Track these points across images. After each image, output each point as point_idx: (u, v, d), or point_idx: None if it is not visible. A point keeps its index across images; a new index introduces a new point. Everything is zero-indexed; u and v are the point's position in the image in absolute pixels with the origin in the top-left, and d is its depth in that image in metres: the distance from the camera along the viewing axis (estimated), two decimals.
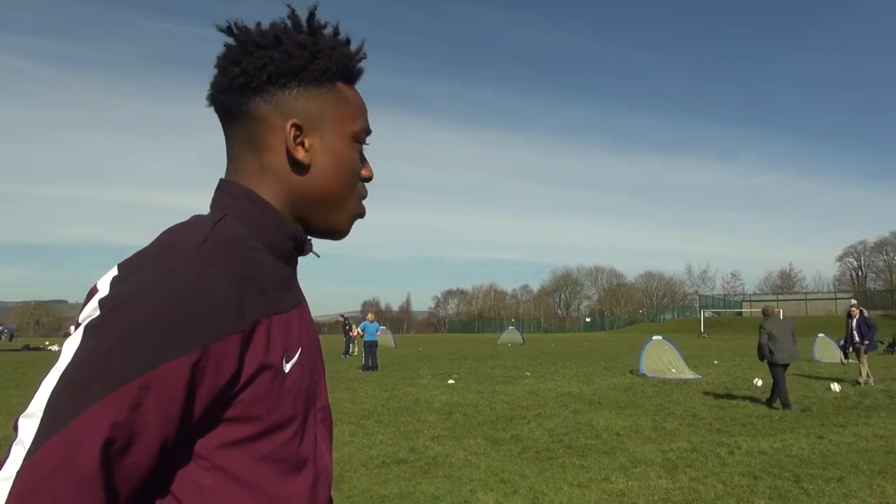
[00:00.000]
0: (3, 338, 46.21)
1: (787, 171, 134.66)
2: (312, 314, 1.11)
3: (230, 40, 0.90)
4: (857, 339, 13.66)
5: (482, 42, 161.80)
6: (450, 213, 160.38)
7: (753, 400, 10.98)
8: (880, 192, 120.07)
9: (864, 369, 13.30)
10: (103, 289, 0.75)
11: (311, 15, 0.91)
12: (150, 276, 0.73)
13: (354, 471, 6.19)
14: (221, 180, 0.92)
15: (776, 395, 10.27)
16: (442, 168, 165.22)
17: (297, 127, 0.89)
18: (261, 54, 0.87)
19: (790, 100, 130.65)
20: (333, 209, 0.94)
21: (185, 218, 0.87)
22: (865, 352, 13.47)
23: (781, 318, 11.21)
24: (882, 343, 14.59)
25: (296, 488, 0.83)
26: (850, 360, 13.92)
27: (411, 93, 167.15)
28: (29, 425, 0.67)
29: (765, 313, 10.89)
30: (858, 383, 12.90)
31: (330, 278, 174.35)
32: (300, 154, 0.90)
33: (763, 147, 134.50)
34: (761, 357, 10.40)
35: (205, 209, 0.92)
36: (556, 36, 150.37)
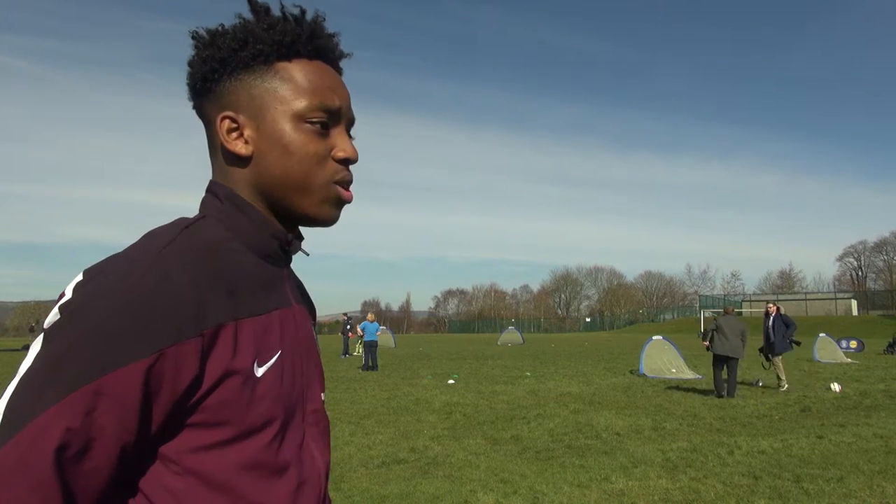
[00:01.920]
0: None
1: (787, 171, 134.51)
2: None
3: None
4: (772, 338, 12.89)
5: (482, 42, 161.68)
6: (450, 213, 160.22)
7: (753, 400, 10.99)
8: (880, 192, 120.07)
9: (779, 372, 12.68)
10: (67, 293, 0.74)
11: (251, 2, 0.90)
12: (109, 279, 0.73)
13: (354, 471, 6.19)
14: (209, 181, 0.92)
15: (718, 383, 11.55)
16: (442, 168, 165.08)
17: (231, 119, 0.87)
18: (203, 55, 0.88)
19: (790, 99, 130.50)
20: (297, 195, 0.89)
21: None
22: (776, 353, 12.82)
23: (737, 319, 12.28)
24: (797, 344, 13.70)
25: (274, 494, 0.82)
26: (769, 362, 13.11)
27: (411, 92, 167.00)
28: None
29: (725, 311, 12.66)
30: (781, 386, 12.36)
31: (330, 278, 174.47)
32: (237, 147, 0.87)
33: (763, 147, 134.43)
34: (703, 341, 12.38)
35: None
36: (556, 36, 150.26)
